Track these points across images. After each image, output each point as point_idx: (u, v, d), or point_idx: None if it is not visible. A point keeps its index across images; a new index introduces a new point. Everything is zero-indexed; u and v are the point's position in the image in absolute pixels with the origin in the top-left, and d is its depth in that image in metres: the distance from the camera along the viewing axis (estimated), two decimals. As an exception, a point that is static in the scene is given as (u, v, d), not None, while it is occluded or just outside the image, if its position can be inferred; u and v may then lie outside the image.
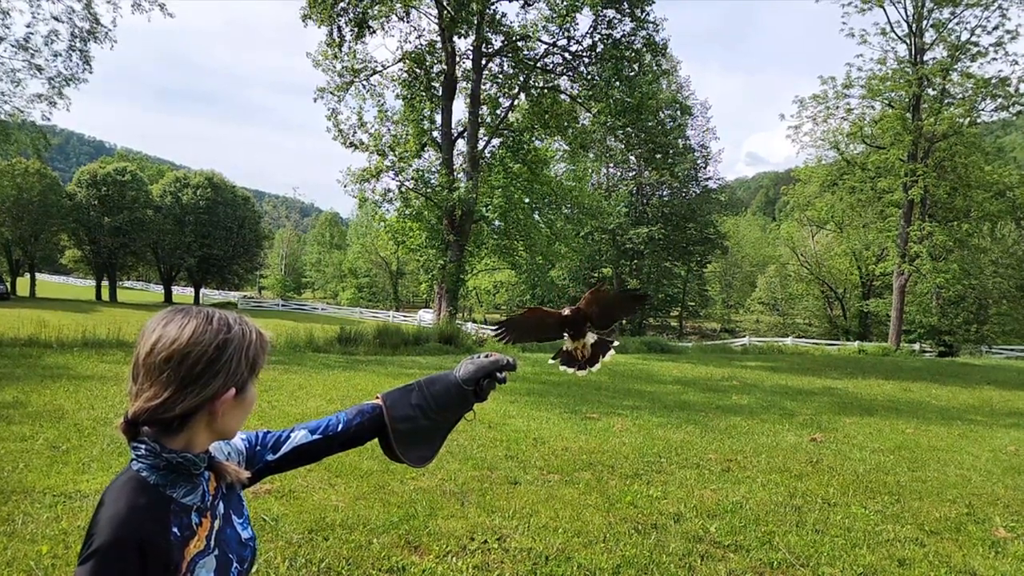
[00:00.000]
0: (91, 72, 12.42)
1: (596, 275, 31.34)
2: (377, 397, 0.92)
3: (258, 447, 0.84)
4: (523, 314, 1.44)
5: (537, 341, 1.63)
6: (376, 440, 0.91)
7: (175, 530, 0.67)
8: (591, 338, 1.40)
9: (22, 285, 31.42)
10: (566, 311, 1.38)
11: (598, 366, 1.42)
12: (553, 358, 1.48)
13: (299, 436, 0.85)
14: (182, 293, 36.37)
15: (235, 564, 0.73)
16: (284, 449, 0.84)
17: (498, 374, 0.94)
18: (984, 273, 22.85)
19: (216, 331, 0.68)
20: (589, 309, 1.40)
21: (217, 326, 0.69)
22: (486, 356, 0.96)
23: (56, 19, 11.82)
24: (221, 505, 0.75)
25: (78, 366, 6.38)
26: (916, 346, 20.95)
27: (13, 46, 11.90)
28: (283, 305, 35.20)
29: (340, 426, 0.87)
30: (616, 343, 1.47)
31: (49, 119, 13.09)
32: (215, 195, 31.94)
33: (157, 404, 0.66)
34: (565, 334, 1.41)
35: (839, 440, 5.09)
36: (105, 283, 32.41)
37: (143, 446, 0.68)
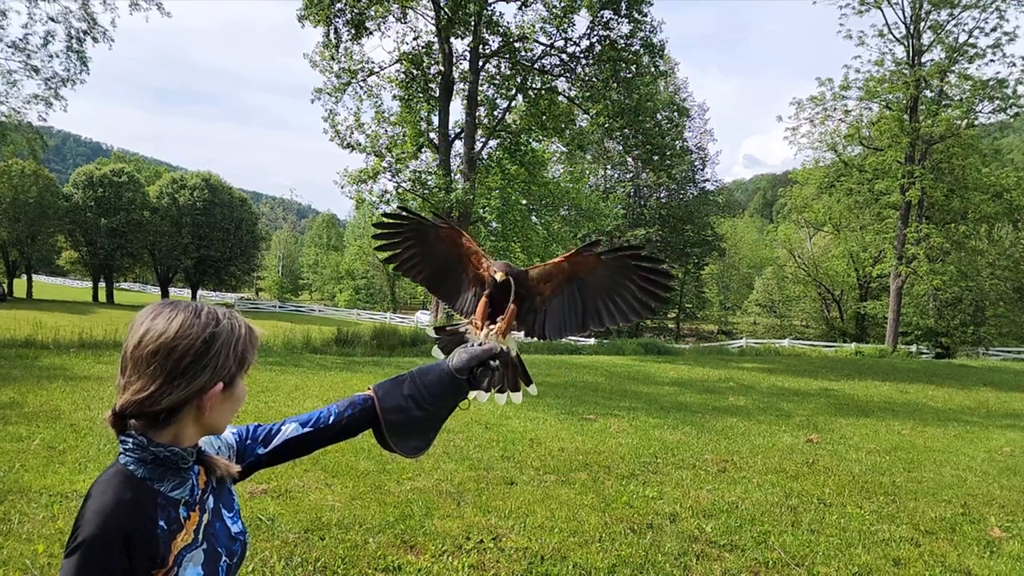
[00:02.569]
0: (88, 73, 12.42)
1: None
2: (369, 388, 0.91)
3: (248, 441, 0.83)
4: (439, 227, 0.90)
5: (432, 291, 1.00)
6: (373, 439, 0.91)
7: (162, 523, 0.67)
8: (511, 343, 0.92)
9: (19, 287, 31.28)
10: (499, 274, 0.88)
11: (502, 398, 0.98)
12: (437, 331, 1.02)
13: (290, 429, 0.84)
14: (179, 294, 36.27)
15: (224, 558, 0.73)
16: (275, 442, 0.83)
17: (491, 362, 0.91)
18: (981, 275, 22.92)
19: (204, 325, 0.68)
20: (544, 288, 0.88)
21: (205, 320, 0.69)
22: (479, 344, 0.93)
23: (53, 20, 11.82)
24: (211, 499, 0.75)
25: (75, 367, 6.36)
26: (913, 348, 20.99)
27: (9, 47, 11.90)
28: (280, 307, 35.11)
29: (331, 418, 0.86)
30: (532, 388, 0.99)
31: (45, 120, 13.09)
32: (212, 196, 31.87)
33: (144, 397, 0.66)
34: (473, 316, 0.92)
35: (835, 441, 5.10)
36: (102, 284, 32.29)
37: (130, 440, 0.68)
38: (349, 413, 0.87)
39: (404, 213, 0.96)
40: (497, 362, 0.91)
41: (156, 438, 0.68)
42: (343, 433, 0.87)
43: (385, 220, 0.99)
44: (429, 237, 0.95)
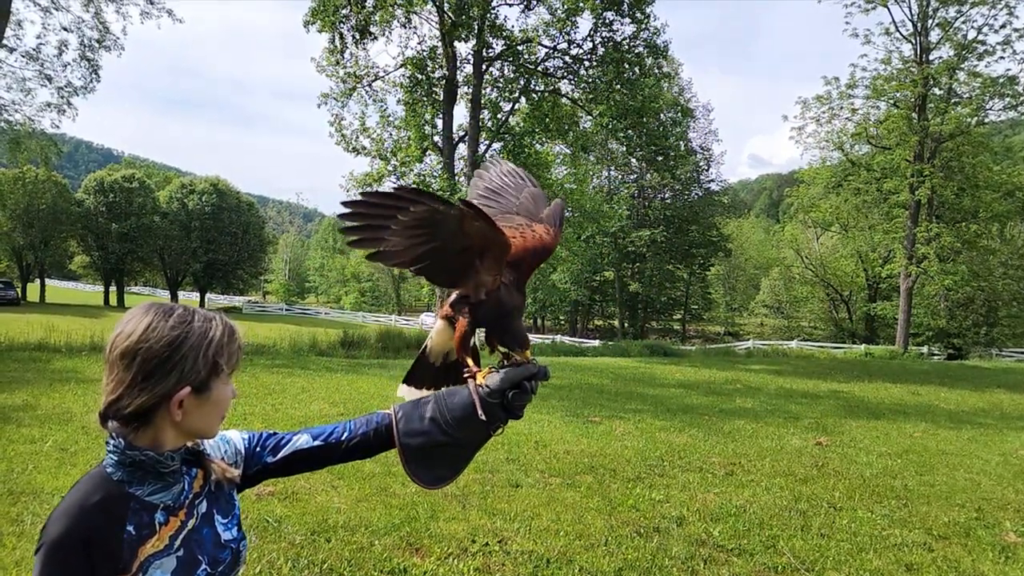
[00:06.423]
0: (99, 81, 12.65)
1: (597, 279, 30.97)
2: (390, 408, 0.85)
3: (258, 448, 0.82)
4: (458, 216, 0.70)
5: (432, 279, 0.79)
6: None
7: (130, 528, 0.66)
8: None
9: (32, 291, 31.84)
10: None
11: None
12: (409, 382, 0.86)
13: (301, 440, 0.82)
14: (188, 298, 36.69)
15: (204, 566, 0.71)
16: (283, 452, 0.81)
17: (527, 383, 0.80)
18: (993, 275, 22.52)
19: (171, 328, 0.67)
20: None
21: (173, 323, 0.67)
22: (512, 364, 0.83)
23: (66, 29, 12.07)
24: (204, 504, 0.73)
25: (86, 370, 6.45)
26: (924, 349, 20.63)
27: (23, 56, 12.16)
28: (287, 310, 35.41)
29: (345, 434, 0.82)
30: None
31: (58, 127, 13.36)
32: (220, 201, 32.25)
33: (114, 400, 0.66)
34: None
35: (845, 444, 5.03)
36: (113, 288, 32.80)
37: (111, 442, 0.68)
38: (363, 431, 0.82)
39: (409, 194, 0.67)
40: (534, 383, 0.81)
41: (136, 441, 0.67)
42: (355, 452, 0.83)
43: (372, 199, 0.68)
44: (439, 228, 0.71)
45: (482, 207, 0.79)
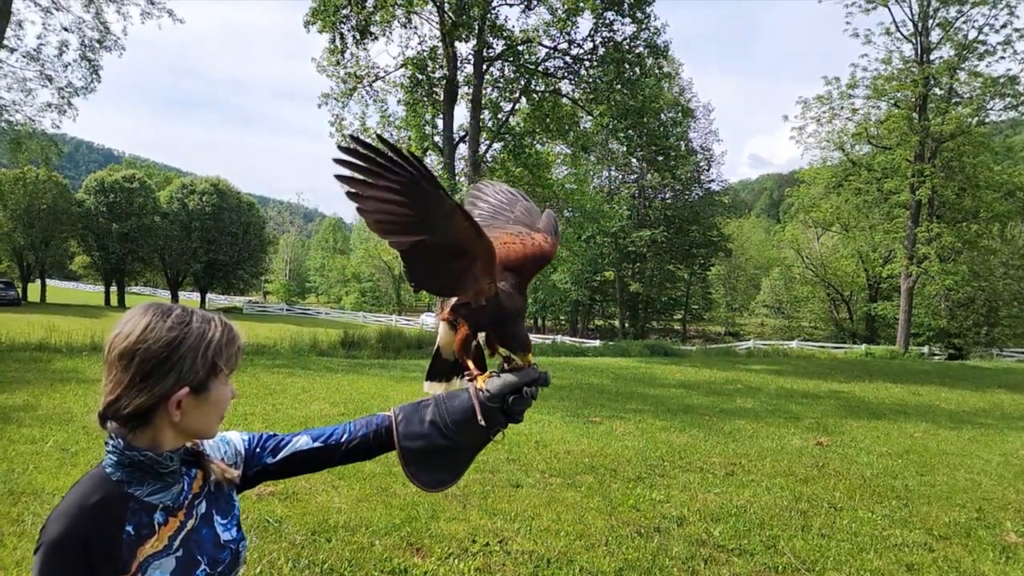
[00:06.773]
0: (99, 82, 12.67)
1: (597, 279, 31.01)
2: (390, 410, 0.85)
3: (258, 449, 0.82)
4: (451, 214, 0.69)
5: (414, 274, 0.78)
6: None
7: (129, 529, 0.66)
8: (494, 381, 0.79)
9: (33, 291, 31.88)
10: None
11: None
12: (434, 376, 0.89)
13: (300, 442, 0.82)
14: (189, 298, 36.72)
15: (204, 566, 0.71)
16: (283, 453, 0.81)
17: (527, 389, 0.81)
18: (994, 275, 22.53)
19: (169, 328, 0.67)
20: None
21: (171, 323, 0.67)
22: (513, 368, 0.83)
23: (66, 29, 12.08)
24: (204, 504, 0.74)
25: (87, 370, 6.45)
26: (925, 349, 20.62)
27: (24, 56, 12.18)
28: (287, 310, 35.45)
29: (344, 436, 0.83)
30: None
31: (59, 127, 13.38)
32: (221, 201, 32.26)
33: (112, 400, 0.66)
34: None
35: (845, 444, 5.03)
36: (114, 288, 32.84)
37: (110, 442, 0.68)
38: (363, 433, 0.83)
39: (406, 157, 0.63)
40: (534, 389, 0.82)
41: (135, 441, 0.68)
42: (355, 454, 0.83)
43: (368, 151, 0.64)
44: (424, 207, 0.67)
45: (481, 224, 0.78)
